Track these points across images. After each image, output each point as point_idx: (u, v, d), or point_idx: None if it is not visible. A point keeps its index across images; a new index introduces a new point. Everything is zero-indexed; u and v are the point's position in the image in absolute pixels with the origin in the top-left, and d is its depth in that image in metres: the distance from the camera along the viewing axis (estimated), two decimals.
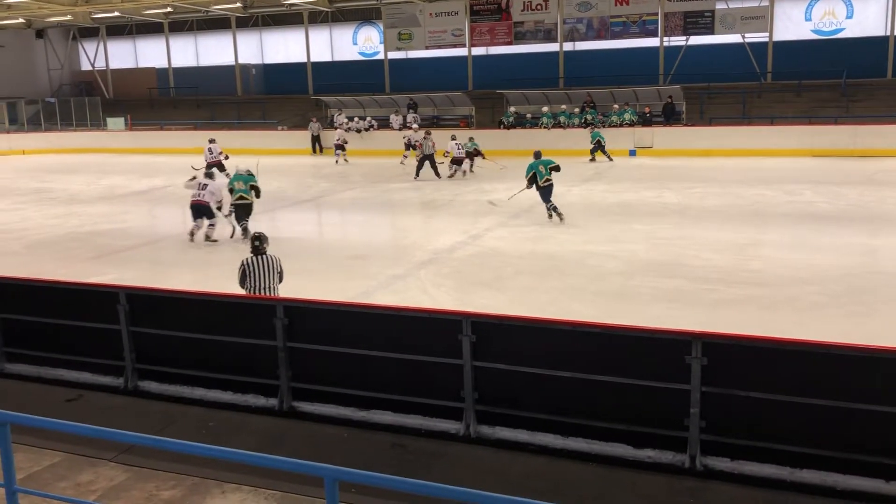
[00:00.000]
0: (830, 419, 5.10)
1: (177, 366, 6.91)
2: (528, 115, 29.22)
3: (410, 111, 30.95)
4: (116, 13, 36.33)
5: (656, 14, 31.17)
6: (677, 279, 10.49)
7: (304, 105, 35.04)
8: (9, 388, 7.26)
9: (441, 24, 34.33)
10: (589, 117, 27.60)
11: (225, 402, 6.62)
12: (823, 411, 5.09)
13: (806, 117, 26.05)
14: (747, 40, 30.54)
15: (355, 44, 37.55)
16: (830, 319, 8.71)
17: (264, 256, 7.83)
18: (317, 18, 37.62)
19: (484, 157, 22.69)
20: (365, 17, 36.73)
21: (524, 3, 32.86)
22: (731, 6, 30.14)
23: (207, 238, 13.44)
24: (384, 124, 30.47)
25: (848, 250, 11.90)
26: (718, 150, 24.72)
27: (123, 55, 42.77)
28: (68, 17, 37.05)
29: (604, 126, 27.00)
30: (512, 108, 29.56)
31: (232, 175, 14.16)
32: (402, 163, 25.56)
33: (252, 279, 7.71)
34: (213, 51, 40.51)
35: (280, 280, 7.89)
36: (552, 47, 33.19)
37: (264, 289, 7.70)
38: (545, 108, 28.40)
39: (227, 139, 28.31)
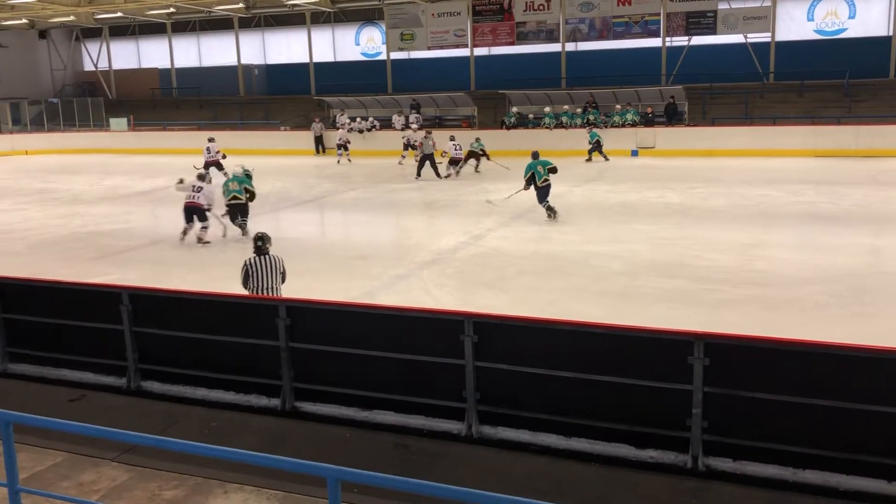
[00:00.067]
0: (833, 420, 5.09)
1: (179, 366, 6.92)
2: (531, 116, 29.20)
3: (413, 111, 30.97)
4: (119, 14, 36.37)
5: (658, 14, 31.15)
6: (680, 279, 10.48)
7: (307, 105, 35.06)
8: (12, 388, 7.27)
9: (443, 25, 34.33)
10: (591, 117, 27.58)
11: (227, 403, 6.63)
12: (826, 412, 5.08)
13: (808, 117, 26.01)
14: (750, 40, 30.51)
15: (358, 44, 37.56)
16: (834, 320, 8.70)
17: (267, 257, 7.84)
18: (319, 19, 37.64)
19: (489, 159, 22.71)
20: (367, 17, 36.74)
21: (526, 3, 32.85)
22: (733, 6, 30.11)
23: (199, 240, 13.45)
24: (386, 125, 30.49)
25: (851, 251, 11.88)
26: (721, 151, 24.70)
27: (126, 56, 42.82)
28: (71, 18, 37.10)
29: (606, 126, 27.03)
30: (514, 109, 29.57)
31: (230, 176, 14.21)
32: (400, 163, 25.61)
33: (255, 279, 7.71)
34: (215, 51, 40.54)
35: (283, 280, 7.89)
36: (554, 47, 33.18)
37: (267, 289, 7.70)
38: (547, 109, 28.39)
39: (229, 139, 28.39)
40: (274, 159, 27.74)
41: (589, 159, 24.66)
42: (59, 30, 42.47)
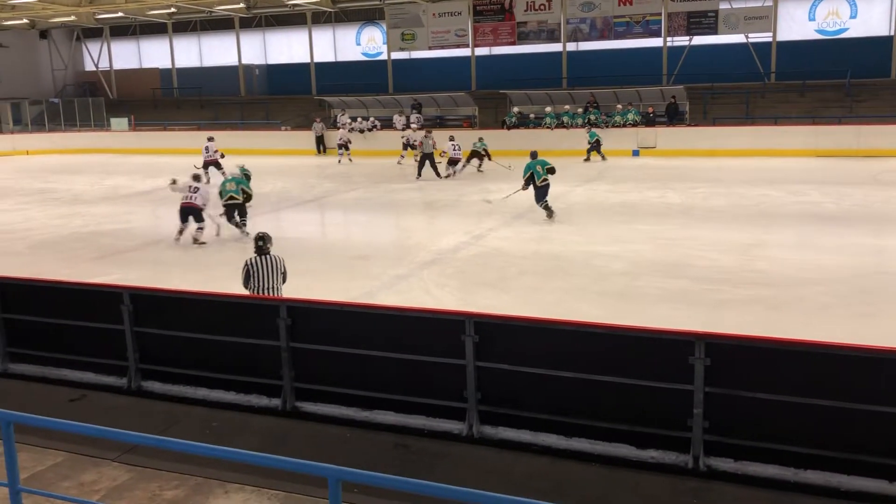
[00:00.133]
0: (834, 420, 5.09)
1: (180, 366, 6.92)
2: (532, 116, 29.21)
3: (414, 112, 30.98)
4: (120, 14, 36.40)
5: (660, 14, 31.14)
6: (682, 280, 10.47)
7: (308, 105, 35.07)
8: (12, 388, 7.28)
9: (444, 25, 34.33)
10: (592, 117, 27.58)
11: (228, 402, 6.62)
12: (827, 412, 5.08)
13: (810, 117, 26.00)
14: (751, 40, 30.50)
15: (359, 44, 37.57)
16: (836, 320, 8.68)
17: (268, 257, 7.83)
18: (320, 19, 37.66)
19: (490, 159, 22.74)
20: (368, 17, 36.75)
21: (527, 3, 32.85)
22: (734, 6, 30.10)
23: (196, 241, 13.45)
24: (387, 125, 30.49)
25: (853, 250, 11.87)
26: (722, 151, 24.69)
27: (127, 56, 42.85)
28: (72, 18, 37.12)
29: (607, 126, 27.04)
30: (515, 109, 29.57)
31: (227, 176, 14.26)
32: (399, 163, 25.64)
33: (256, 279, 7.71)
34: (216, 51, 40.57)
35: (284, 280, 7.89)
36: (555, 47, 33.17)
37: (268, 289, 7.70)
38: (548, 109, 28.40)
39: (230, 139, 28.42)
40: (275, 159, 27.76)
41: (587, 159, 24.71)
42: (60, 30, 42.50)
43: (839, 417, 5.06)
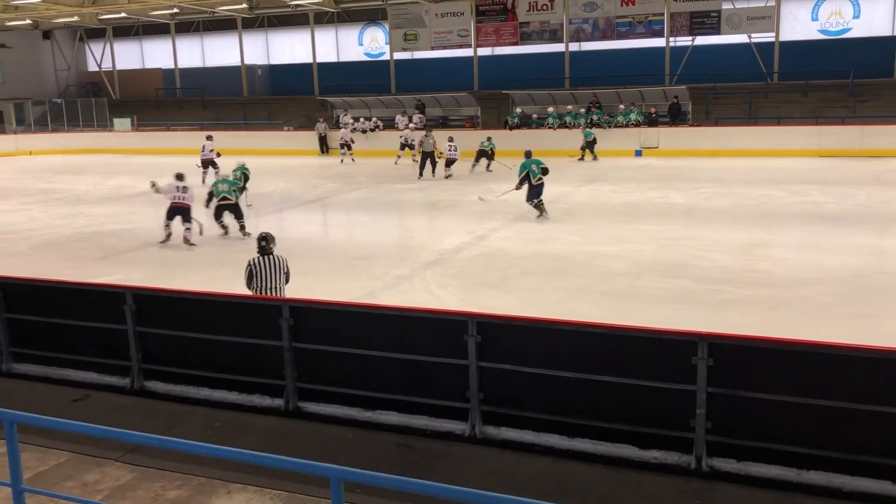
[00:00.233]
0: (837, 420, 5.08)
1: (183, 366, 6.93)
2: (534, 116, 29.20)
3: (417, 112, 30.98)
4: (123, 14, 36.42)
5: (662, 14, 31.11)
6: (684, 280, 10.47)
7: (310, 106, 35.08)
8: (16, 388, 7.29)
9: (447, 25, 34.33)
10: (595, 118, 27.57)
11: (231, 403, 6.63)
12: (830, 412, 5.07)
13: (813, 117, 25.97)
14: (753, 40, 30.46)
15: (361, 44, 37.58)
16: (838, 320, 8.68)
17: (271, 257, 7.84)
18: (322, 19, 37.67)
19: (493, 158, 22.88)
20: (371, 17, 36.76)
21: (530, 3, 32.83)
22: (737, 6, 30.07)
23: (186, 241, 13.51)
24: (390, 125, 30.50)
25: (856, 251, 11.85)
26: (725, 151, 24.67)
27: (130, 56, 42.89)
28: (75, 19, 37.16)
29: (609, 126, 27.04)
30: (518, 109, 29.55)
31: (219, 177, 14.42)
32: (395, 163, 25.68)
33: (258, 279, 7.71)
34: (219, 51, 40.60)
35: (286, 280, 7.89)
36: (558, 48, 33.16)
37: (271, 289, 7.70)
38: (551, 109, 28.39)
39: (233, 140, 28.47)
40: (277, 159, 27.79)
41: (581, 158, 24.74)
42: (63, 30, 42.55)
43: (842, 418, 5.06)
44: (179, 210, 13.47)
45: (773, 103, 28.39)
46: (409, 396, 6.13)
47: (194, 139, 28.70)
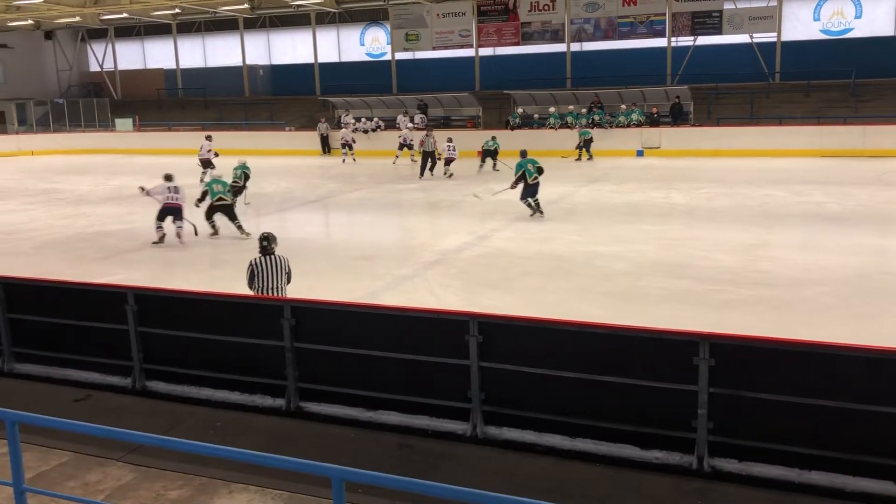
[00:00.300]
0: (839, 420, 5.08)
1: (184, 366, 6.93)
2: (536, 116, 29.20)
3: (419, 112, 30.99)
4: (125, 14, 36.46)
5: (664, 14, 31.09)
6: (685, 280, 10.46)
7: (312, 106, 35.09)
8: (17, 388, 7.29)
9: (448, 25, 34.33)
10: (596, 118, 27.57)
11: (232, 403, 6.63)
12: (832, 412, 5.06)
13: (815, 117, 25.95)
14: (755, 40, 30.44)
15: (362, 44, 37.59)
16: (840, 320, 8.67)
17: (273, 257, 7.84)
18: (324, 19, 37.68)
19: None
20: (372, 17, 36.77)
21: (531, 3, 32.83)
22: (738, 6, 30.04)
23: (178, 235, 13.60)
24: (391, 125, 30.52)
25: (857, 251, 11.84)
26: (726, 151, 24.66)
27: (132, 56, 42.93)
28: (77, 19, 37.20)
29: (611, 126, 27.04)
30: (519, 109, 29.55)
31: (213, 178, 14.50)
32: (393, 163, 25.70)
33: (260, 279, 7.71)
34: (220, 52, 40.62)
35: (288, 280, 7.89)
36: (559, 48, 33.15)
37: (272, 289, 7.70)
38: (552, 109, 28.39)
39: (234, 140, 28.50)
40: (278, 159, 27.81)
41: (579, 158, 24.75)
42: (65, 30, 42.58)
43: (844, 418, 5.05)
44: (172, 210, 13.54)
45: (775, 103, 28.36)
46: (411, 396, 6.12)
47: (196, 139, 28.72)
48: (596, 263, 11.54)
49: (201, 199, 14.16)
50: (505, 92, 30.95)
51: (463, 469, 5.49)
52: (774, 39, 30.30)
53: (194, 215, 13.97)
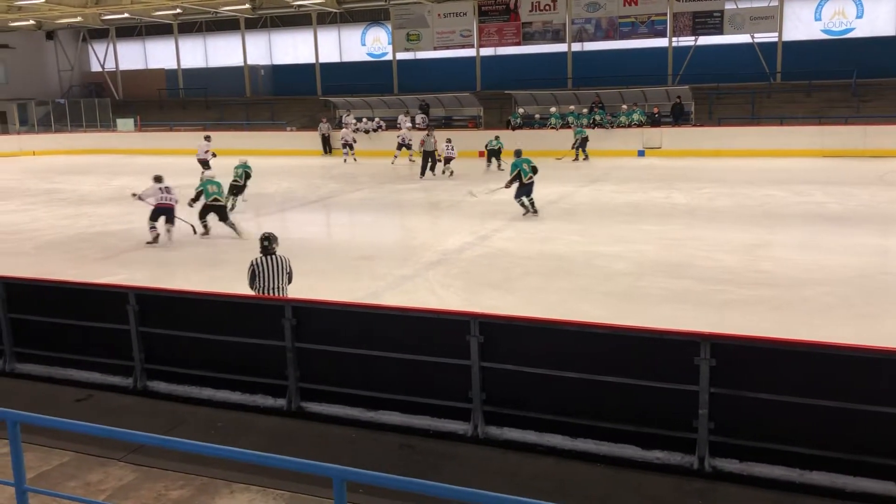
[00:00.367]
0: (840, 421, 5.07)
1: (185, 366, 6.93)
2: (537, 116, 29.20)
3: (421, 112, 31.00)
4: (126, 15, 36.48)
5: (665, 14, 31.08)
6: (686, 280, 10.46)
7: (313, 106, 35.11)
8: (19, 388, 7.30)
9: (449, 25, 34.33)
10: (597, 118, 27.57)
11: (233, 403, 6.64)
12: (833, 413, 5.06)
13: (816, 117, 25.94)
14: (756, 40, 30.42)
15: (364, 45, 37.60)
16: (841, 320, 8.66)
17: (274, 257, 7.84)
18: (325, 19, 37.69)
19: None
20: (373, 17, 36.77)
21: (532, 3, 32.83)
22: (740, 6, 30.02)
23: (168, 231, 13.73)
24: (392, 125, 30.52)
25: (858, 251, 11.83)
26: (727, 151, 24.65)
27: (133, 56, 42.95)
28: (78, 19, 37.23)
29: (612, 126, 27.04)
30: (520, 109, 29.55)
31: (209, 178, 14.54)
32: (392, 163, 25.72)
33: (261, 279, 7.72)
34: (221, 52, 40.63)
35: (289, 280, 7.89)
36: (560, 48, 33.14)
37: (273, 289, 7.71)
38: (553, 109, 28.39)
39: (236, 140, 28.51)
40: (280, 160, 27.82)
41: (576, 158, 24.76)
42: (66, 31, 42.60)
43: (845, 418, 5.05)
44: (164, 210, 13.62)
45: (776, 103, 28.35)
46: (412, 397, 6.13)
47: (197, 140, 28.76)
48: (597, 263, 11.54)
49: (195, 199, 14.20)
50: (506, 92, 30.95)
51: (464, 469, 5.49)
52: (775, 39, 30.29)
53: (190, 215, 13.98)
